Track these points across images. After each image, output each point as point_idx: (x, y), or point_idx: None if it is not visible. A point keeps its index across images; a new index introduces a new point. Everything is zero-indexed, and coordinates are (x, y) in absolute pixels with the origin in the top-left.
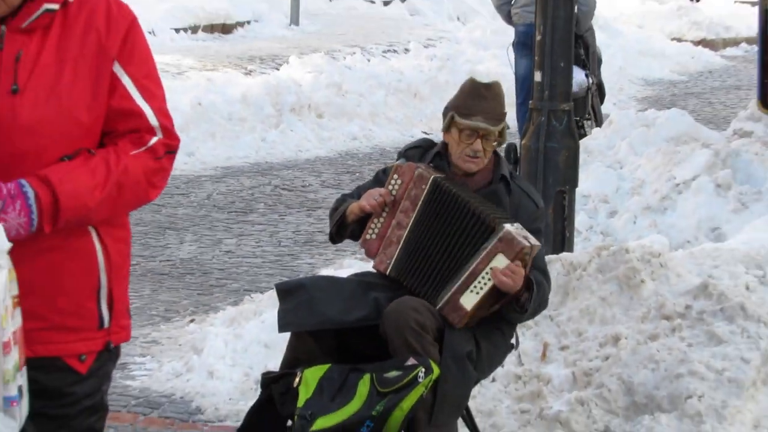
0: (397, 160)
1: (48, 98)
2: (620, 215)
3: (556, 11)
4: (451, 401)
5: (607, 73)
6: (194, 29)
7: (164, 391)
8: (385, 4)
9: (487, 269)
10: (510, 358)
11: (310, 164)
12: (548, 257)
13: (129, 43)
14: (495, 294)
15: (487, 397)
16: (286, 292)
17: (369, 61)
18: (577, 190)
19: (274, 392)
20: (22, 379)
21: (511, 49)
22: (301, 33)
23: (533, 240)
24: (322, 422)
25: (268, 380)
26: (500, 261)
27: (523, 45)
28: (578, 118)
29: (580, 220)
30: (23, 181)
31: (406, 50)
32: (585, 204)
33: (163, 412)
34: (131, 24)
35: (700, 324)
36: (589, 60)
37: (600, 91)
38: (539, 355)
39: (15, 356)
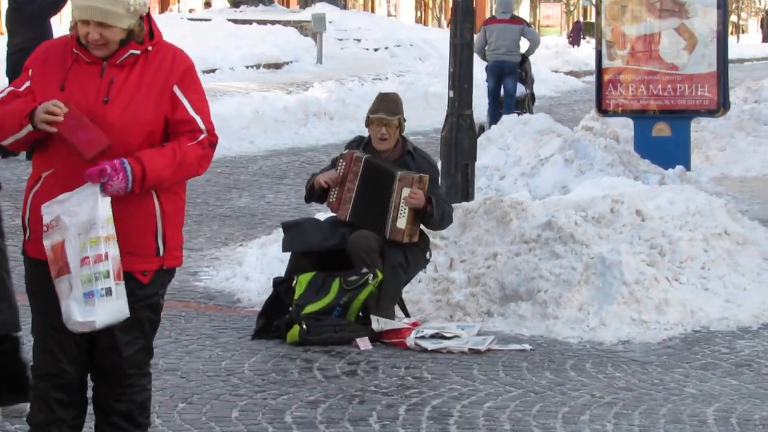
0: (344, 150)
1: (126, 108)
2: (506, 179)
3: (462, 56)
4: (389, 294)
5: None
6: (257, 66)
7: (218, 289)
8: (375, 50)
9: (401, 199)
10: (430, 268)
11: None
12: (454, 204)
13: (187, 77)
14: (413, 212)
15: (415, 292)
16: (288, 227)
17: (362, 85)
18: (479, 163)
19: (281, 290)
20: (113, 285)
21: (484, 73)
22: (323, 69)
23: (422, 174)
24: (309, 308)
25: (277, 282)
26: (405, 191)
27: (491, 72)
28: (519, 111)
29: (482, 182)
30: (124, 160)
31: (386, 78)
32: (485, 172)
33: (216, 302)
34: (188, 66)
35: (546, 246)
36: (527, 79)
37: (532, 97)
38: (448, 266)
39: (94, 270)
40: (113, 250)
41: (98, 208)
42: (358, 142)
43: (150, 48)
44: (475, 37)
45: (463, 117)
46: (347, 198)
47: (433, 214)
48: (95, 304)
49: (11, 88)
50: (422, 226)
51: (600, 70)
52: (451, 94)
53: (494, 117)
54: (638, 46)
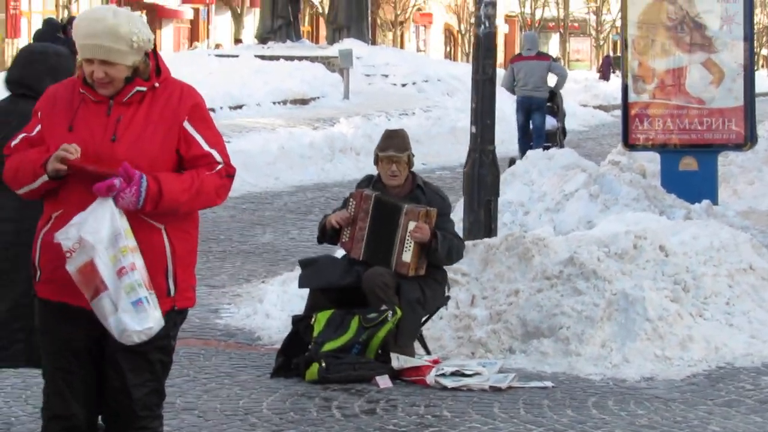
0: (354, 190)
1: (133, 144)
2: (531, 214)
3: (484, 91)
4: (408, 330)
5: None
6: (284, 102)
7: (239, 326)
8: (403, 86)
9: (406, 234)
10: (451, 305)
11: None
12: (476, 241)
13: (196, 112)
14: (419, 246)
15: (436, 328)
16: (305, 264)
17: (389, 120)
18: (504, 198)
19: (300, 327)
20: (147, 294)
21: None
22: (350, 104)
23: (429, 208)
24: (328, 346)
25: (296, 320)
26: (411, 225)
27: (520, 107)
28: (550, 145)
29: (506, 217)
30: (143, 175)
31: (413, 113)
32: (509, 207)
33: (236, 339)
34: (197, 101)
35: (568, 282)
36: (558, 112)
37: (563, 131)
38: (469, 302)
39: (133, 278)
40: (139, 261)
41: (117, 220)
42: (368, 181)
43: (157, 84)
44: (504, 74)
45: (486, 153)
46: (359, 236)
47: (438, 249)
48: (147, 310)
49: (24, 135)
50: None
51: (626, 104)
52: (474, 130)
53: (525, 151)
54: (666, 80)
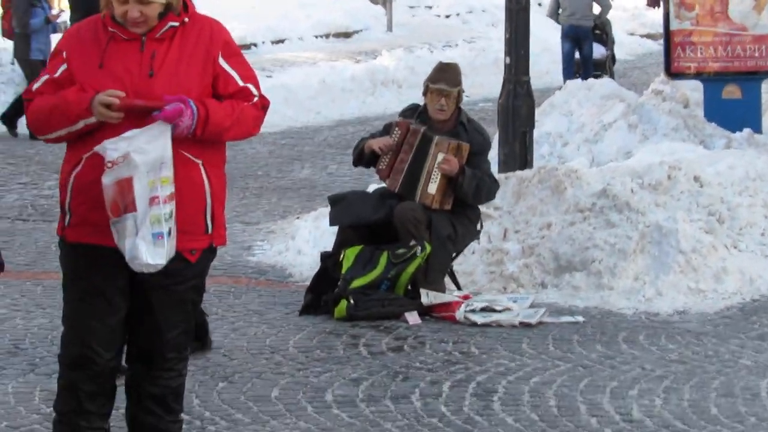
0: (398, 117)
1: (170, 79)
2: (569, 146)
3: (518, 21)
4: (438, 266)
5: None
6: (327, 36)
7: (270, 263)
8: (447, 17)
9: (434, 166)
10: (483, 239)
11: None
12: (508, 173)
13: (228, 48)
14: (446, 180)
15: (469, 263)
16: (334, 201)
17: (432, 52)
18: (542, 129)
19: (328, 264)
20: (168, 226)
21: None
22: (393, 36)
23: (460, 142)
24: (357, 282)
25: (325, 257)
26: (440, 156)
27: (565, 36)
28: (599, 73)
29: (544, 149)
30: (191, 101)
31: (456, 45)
32: (548, 138)
33: (267, 276)
34: (228, 37)
35: (601, 215)
36: (607, 40)
37: (613, 58)
38: (502, 236)
39: (162, 210)
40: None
41: (168, 148)
42: (412, 110)
43: (186, 20)
44: (549, 2)
45: (521, 83)
46: (399, 168)
47: (463, 184)
48: (164, 246)
49: (47, 77)
50: None
51: (668, 32)
52: (508, 61)
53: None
54: (707, 8)
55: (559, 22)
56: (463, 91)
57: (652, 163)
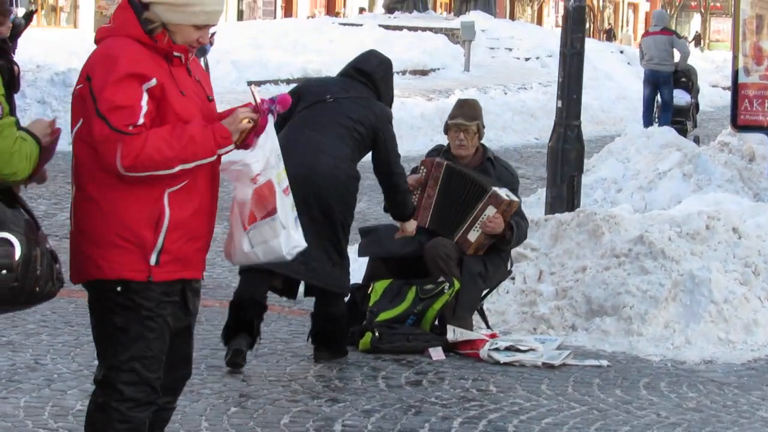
0: (424, 158)
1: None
2: (623, 192)
3: (570, 67)
4: (467, 303)
5: None
6: (403, 72)
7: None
8: (526, 59)
9: (482, 216)
10: (519, 279)
11: None
12: (548, 215)
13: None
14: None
15: (501, 303)
16: (365, 232)
17: (506, 93)
18: (598, 175)
19: (357, 297)
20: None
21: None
22: (470, 76)
23: (513, 197)
24: (383, 316)
25: (354, 289)
26: (490, 210)
27: (646, 81)
28: (682, 120)
29: (598, 194)
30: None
31: (531, 87)
32: (603, 184)
33: (301, 306)
34: None
35: (636, 261)
36: (692, 87)
37: (697, 106)
38: (537, 278)
39: (291, 198)
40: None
41: (276, 140)
42: (438, 150)
43: None
44: (637, 51)
45: (571, 128)
46: (427, 204)
47: (510, 241)
48: (300, 228)
49: (144, 110)
50: None
51: (736, 85)
52: (560, 104)
53: (647, 125)
54: None
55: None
56: (483, 126)
57: (692, 212)
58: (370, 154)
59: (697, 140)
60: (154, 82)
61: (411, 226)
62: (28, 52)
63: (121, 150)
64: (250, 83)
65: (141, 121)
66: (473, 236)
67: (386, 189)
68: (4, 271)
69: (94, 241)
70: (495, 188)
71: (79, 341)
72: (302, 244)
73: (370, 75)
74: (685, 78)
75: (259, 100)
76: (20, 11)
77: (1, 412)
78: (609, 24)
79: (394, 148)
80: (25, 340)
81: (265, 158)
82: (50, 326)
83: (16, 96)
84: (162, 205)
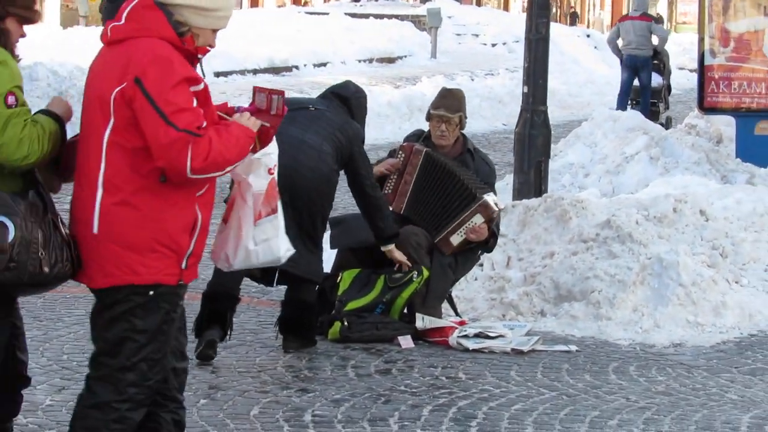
0: (402, 143)
1: None
2: (590, 176)
3: (536, 52)
4: (437, 292)
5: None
6: (370, 60)
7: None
8: (493, 45)
9: (468, 222)
10: (487, 266)
11: None
12: (515, 201)
13: None
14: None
15: (470, 290)
16: (334, 223)
17: (473, 80)
18: (565, 160)
19: (326, 286)
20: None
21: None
22: (437, 63)
23: (500, 206)
24: (352, 305)
25: (323, 278)
26: (478, 219)
27: (624, 66)
28: (655, 101)
29: (566, 179)
30: None
31: (498, 73)
32: (570, 169)
33: (270, 297)
34: None
35: (604, 245)
36: (664, 70)
37: (668, 88)
38: (505, 264)
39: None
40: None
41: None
42: (417, 135)
43: None
44: (610, 31)
45: (537, 113)
46: (404, 190)
47: (491, 249)
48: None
49: (199, 110)
50: None
51: (702, 67)
52: (525, 90)
53: (623, 108)
54: (742, 43)
55: (615, 51)
56: (466, 118)
57: (659, 196)
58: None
59: (669, 121)
60: (201, 86)
61: (399, 255)
62: None
63: (192, 152)
64: (255, 88)
65: (204, 123)
66: (456, 240)
67: (365, 209)
68: None
69: (130, 247)
70: (485, 196)
71: (47, 336)
72: (292, 249)
73: (347, 99)
74: (657, 60)
75: (275, 98)
76: None
77: None
78: (572, 7)
79: (368, 167)
80: None
81: (277, 151)
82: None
83: None
84: (195, 209)
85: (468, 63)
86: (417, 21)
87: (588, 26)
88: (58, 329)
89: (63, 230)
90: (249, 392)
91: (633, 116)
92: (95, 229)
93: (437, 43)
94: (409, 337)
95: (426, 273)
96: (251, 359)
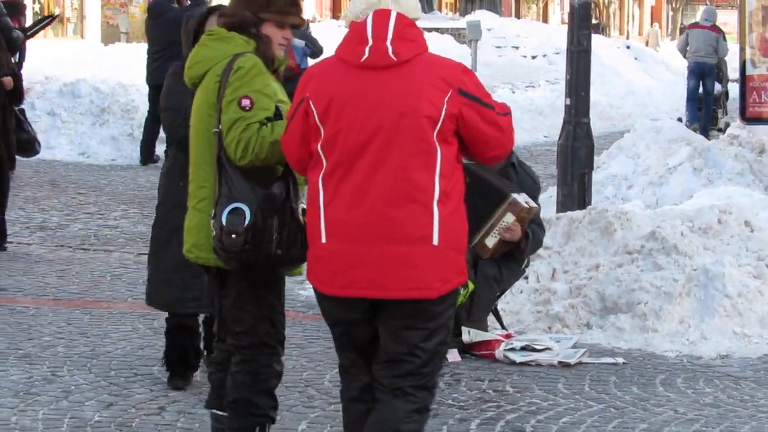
0: None
1: None
2: (634, 188)
3: (578, 64)
4: (482, 305)
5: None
6: None
7: None
8: (533, 57)
9: (501, 222)
10: (532, 278)
11: None
12: (559, 214)
13: None
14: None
15: (516, 302)
16: None
17: (514, 92)
18: (608, 171)
19: None
20: None
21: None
22: (478, 76)
23: (532, 204)
24: None
25: None
26: (509, 217)
27: (691, 73)
28: (714, 108)
29: (609, 190)
30: None
31: (539, 85)
32: (613, 180)
33: (315, 311)
34: None
35: (649, 257)
36: (723, 78)
37: (726, 94)
38: (550, 276)
39: None
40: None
41: None
42: None
43: None
44: (679, 38)
45: (580, 125)
46: None
47: (525, 250)
48: None
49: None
50: None
51: (744, 77)
52: (568, 102)
53: (693, 114)
54: None
55: (685, 57)
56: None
57: (703, 207)
58: None
59: (727, 126)
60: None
61: None
62: (36, 63)
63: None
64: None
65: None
66: (491, 242)
67: None
68: (233, 236)
69: (458, 248)
70: (514, 194)
71: (95, 352)
72: None
73: None
74: (717, 69)
75: None
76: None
77: (19, 426)
78: (596, 18)
79: None
80: (41, 352)
81: None
82: (66, 338)
83: (26, 107)
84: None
85: (508, 75)
86: (457, 34)
87: (627, 37)
88: (105, 345)
89: (301, 218)
90: (296, 407)
91: (675, 127)
92: (435, 241)
93: (477, 55)
94: (455, 350)
95: (471, 286)
96: (298, 374)
